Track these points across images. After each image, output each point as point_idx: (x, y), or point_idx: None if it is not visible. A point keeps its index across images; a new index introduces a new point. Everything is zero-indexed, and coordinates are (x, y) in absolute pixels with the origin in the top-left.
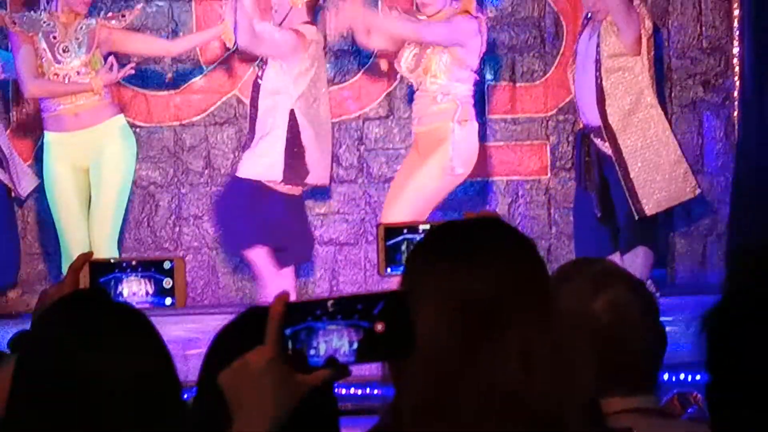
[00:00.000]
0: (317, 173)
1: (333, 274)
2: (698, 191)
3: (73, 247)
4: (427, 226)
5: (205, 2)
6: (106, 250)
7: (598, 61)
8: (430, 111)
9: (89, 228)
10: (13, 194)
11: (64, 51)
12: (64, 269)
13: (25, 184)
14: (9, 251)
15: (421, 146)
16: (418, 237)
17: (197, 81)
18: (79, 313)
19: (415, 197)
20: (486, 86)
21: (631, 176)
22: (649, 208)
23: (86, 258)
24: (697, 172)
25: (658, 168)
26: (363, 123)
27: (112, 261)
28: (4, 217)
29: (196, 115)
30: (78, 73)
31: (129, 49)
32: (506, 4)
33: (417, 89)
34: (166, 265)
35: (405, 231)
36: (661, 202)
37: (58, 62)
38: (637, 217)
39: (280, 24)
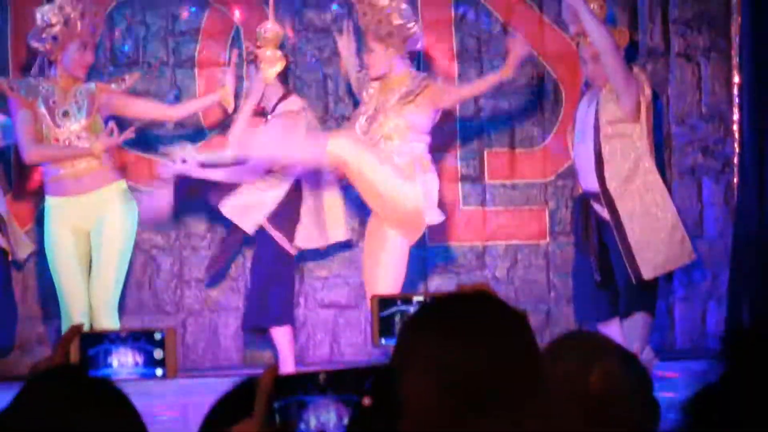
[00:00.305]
0: (312, 237)
1: (333, 336)
2: (695, 256)
3: (73, 310)
4: (421, 298)
5: (207, 68)
6: (107, 313)
7: (597, 128)
8: None
9: (90, 292)
10: (10, 258)
11: (63, 115)
12: (64, 332)
13: (23, 250)
14: (6, 314)
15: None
16: (411, 308)
17: (199, 147)
18: (52, 388)
19: (396, 263)
20: (485, 152)
21: (629, 241)
22: (647, 272)
23: (76, 330)
24: (697, 238)
25: (655, 233)
26: None
27: (102, 332)
28: (1, 280)
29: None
30: (78, 137)
31: (130, 113)
32: None
33: None
34: (157, 335)
35: (399, 302)
36: (658, 266)
37: (58, 126)
38: (635, 282)
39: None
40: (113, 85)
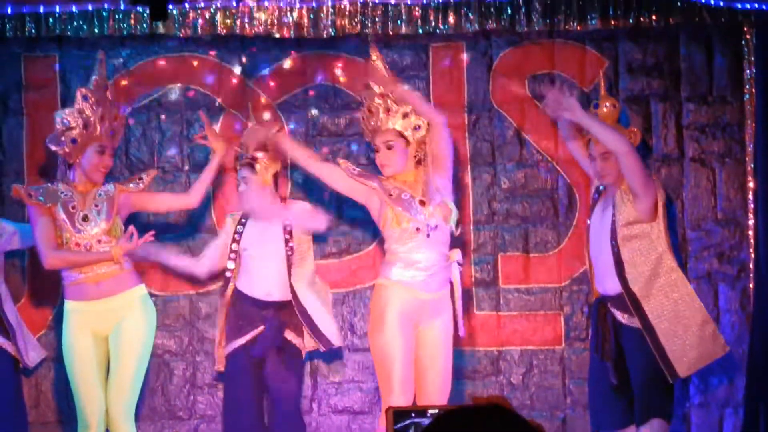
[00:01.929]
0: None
1: None
2: (728, 348)
3: (90, 415)
4: (435, 411)
5: (221, 173)
6: (124, 419)
7: (614, 231)
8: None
9: (107, 397)
10: (21, 365)
11: (83, 220)
12: None
13: (33, 356)
14: (15, 421)
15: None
16: (425, 421)
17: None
18: None
19: (443, 379)
20: (499, 256)
21: (661, 342)
22: (682, 371)
23: None
24: None
25: (686, 330)
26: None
27: None
28: (10, 388)
29: (213, 284)
30: (99, 241)
31: (150, 208)
32: (520, 176)
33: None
34: None
35: (413, 414)
36: (692, 364)
37: (78, 231)
38: (671, 381)
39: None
40: (131, 185)
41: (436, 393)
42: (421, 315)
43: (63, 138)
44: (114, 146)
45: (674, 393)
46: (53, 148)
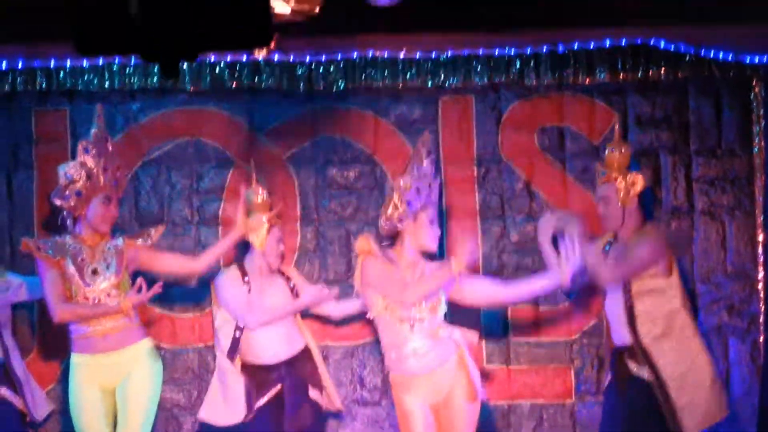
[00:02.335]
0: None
1: None
2: (727, 411)
3: None
4: None
5: (231, 227)
6: None
7: (627, 283)
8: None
9: None
10: (28, 419)
11: (93, 273)
12: None
13: (41, 410)
14: None
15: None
16: None
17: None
18: None
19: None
20: (509, 309)
21: (672, 397)
22: (690, 428)
23: None
24: None
25: (697, 390)
26: None
27: None
28: None
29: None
30: (108, 294)
31: (156, 268)
32: (529, 229)
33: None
34: None
35: None
36: (699, 423)
37: (88, 285)
38: None
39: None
40: (140, 240)
41: None
42: (433, 394)
43: (67, 192)
44: (119, 196)
45: None
46: (58, 202)
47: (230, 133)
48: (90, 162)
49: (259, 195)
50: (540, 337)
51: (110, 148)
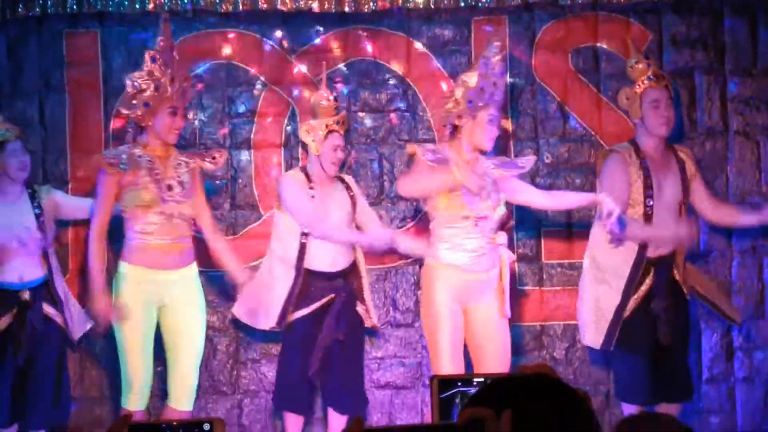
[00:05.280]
0: None
1: (390, 418)
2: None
3: (135, 383)
4: (481, 379)
5: (262, 150)
6: (189, 398)
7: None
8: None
9: (171, 379)
10: (67, 337)
11: (168, 189)
12: (125, 403)
13: (78, 328)
14: (59, 392)
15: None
16: (471, 390)
17: (255, 227)
18: None
19: (503, 352)
20: (542, 231)
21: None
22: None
23: (126, 420)
24: (759, 318)
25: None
26: (419, 267)
27: (152, 423)
28: (56, 359)
29: (254, 260)
30: (182, 214)
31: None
32: (562, 151)
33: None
34: (206, 426)
35: (459, 384)
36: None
37: (165, 202)
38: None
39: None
40: (207, 162)
41: (497, 367)
42: (469, 295)
43: (135, 101)
44: (185, 106)
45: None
46: (125, 111)
47: (262, 56)
48: (157, 72)
49: (326, 99)
50: (573, 259)
51: (176, 57)
